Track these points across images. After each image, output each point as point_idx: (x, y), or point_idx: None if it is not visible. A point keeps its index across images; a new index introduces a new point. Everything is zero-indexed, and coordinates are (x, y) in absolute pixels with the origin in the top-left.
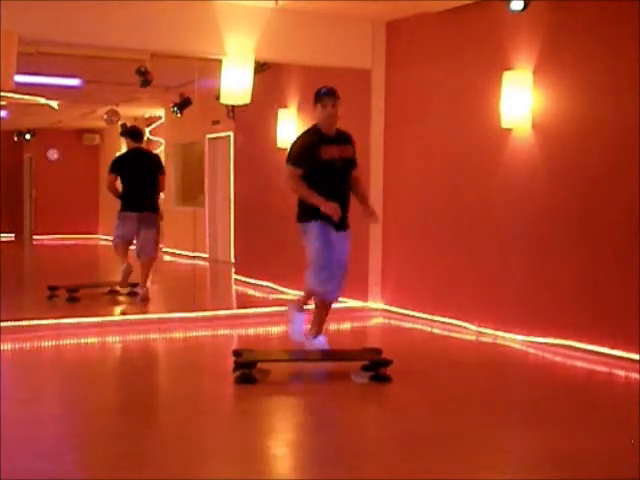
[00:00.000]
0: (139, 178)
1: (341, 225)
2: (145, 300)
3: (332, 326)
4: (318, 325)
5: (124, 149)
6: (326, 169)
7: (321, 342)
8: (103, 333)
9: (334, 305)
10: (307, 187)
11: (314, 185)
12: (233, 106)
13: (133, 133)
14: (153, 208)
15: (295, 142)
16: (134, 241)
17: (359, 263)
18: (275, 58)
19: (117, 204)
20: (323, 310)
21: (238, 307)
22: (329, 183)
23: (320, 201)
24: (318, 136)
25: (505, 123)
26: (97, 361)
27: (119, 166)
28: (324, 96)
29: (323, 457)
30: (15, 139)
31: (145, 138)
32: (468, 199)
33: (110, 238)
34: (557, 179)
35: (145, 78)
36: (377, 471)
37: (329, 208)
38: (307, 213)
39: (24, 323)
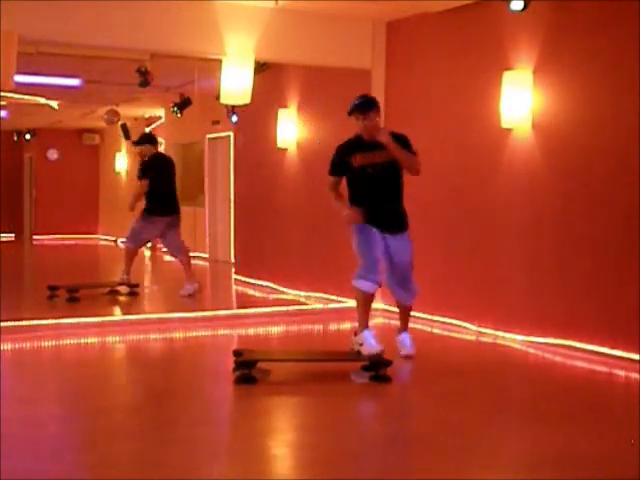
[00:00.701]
0: (167, 182)
1: (388, 228)
2: (195, 294)
3: (332, 326)
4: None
5: (124, 149)
6: (359, 176)
7: (407, 342)
8: (103, 333)
9: (333, 305)
10: (335, 195)
11: (354, 192)
12: (233, 106)
13: (152, 139)
14: (178, 210)
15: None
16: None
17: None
18: (275, 58)
19: (117, 204)
20: (402, 310)
21: (238, 307)
22: (363, 190)
23: (342, 208)
24: (353, 144)
25: (505, 123)
26: (97, 361)
27: (149, 171)
28: (353, 112)
29: (323, 457)
30: (15, 139)
31: None
32: (468, 199)
33: (110, 238)
34: (557, 179)
35: (145, 78)
36: (377, 471)
37: (348, 216)
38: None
39: (24, 323)
